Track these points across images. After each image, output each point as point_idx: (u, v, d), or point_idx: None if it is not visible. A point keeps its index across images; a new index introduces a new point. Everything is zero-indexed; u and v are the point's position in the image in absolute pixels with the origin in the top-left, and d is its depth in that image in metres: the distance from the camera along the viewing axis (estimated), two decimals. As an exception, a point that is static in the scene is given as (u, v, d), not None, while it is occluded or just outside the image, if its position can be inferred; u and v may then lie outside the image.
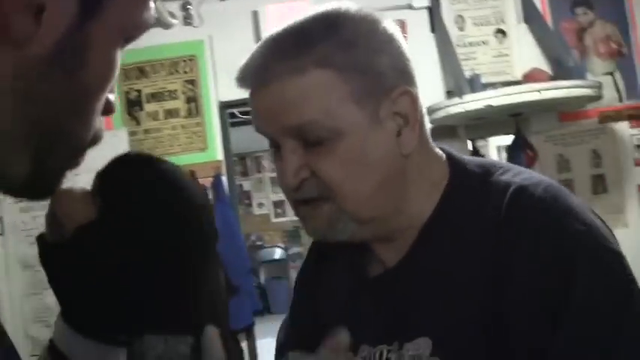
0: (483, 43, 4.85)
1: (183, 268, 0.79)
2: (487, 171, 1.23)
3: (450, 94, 4.68)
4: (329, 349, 1.04)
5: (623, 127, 4.90)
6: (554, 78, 4.48)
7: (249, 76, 1.16)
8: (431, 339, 1.16)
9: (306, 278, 1.48)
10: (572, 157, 4.87)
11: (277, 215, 10.99)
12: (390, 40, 1.18)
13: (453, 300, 1.16)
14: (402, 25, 4.77)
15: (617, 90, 4.88)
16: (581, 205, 1.16)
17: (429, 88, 4.68)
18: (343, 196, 1.16)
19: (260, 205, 11.04)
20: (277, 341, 1.49)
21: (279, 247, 11.31)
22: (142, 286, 0.76)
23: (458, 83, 4.40)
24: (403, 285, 1.24)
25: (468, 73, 4.52)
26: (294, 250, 10.77)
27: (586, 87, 4.27)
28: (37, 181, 0.74)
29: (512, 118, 4.55)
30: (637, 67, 4.92)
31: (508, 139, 4.82)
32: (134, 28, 0.76)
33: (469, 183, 1.23)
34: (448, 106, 4.25)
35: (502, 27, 4.86)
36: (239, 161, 10.48)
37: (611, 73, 4.89)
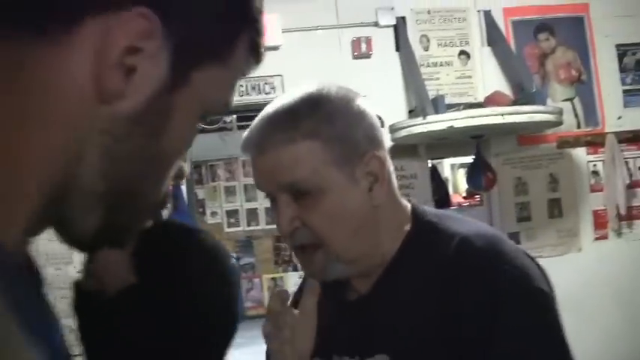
0: (447, 64, 4.91)
1: (213, 338, 0.84)
2: (441, 220, 1.48)
3: (412, 112, 4.71)
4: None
5: (580, 153, 5.00)
6: (515, 102, 4.54)
7: (250, 145, 1.41)
8: (388, 355, 1.40)
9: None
10: (530, 180, 4.95)
11: (230, 225, 10.92)
12: (362, 114, 1.43)
13: (409, 324, 1.40)
14: (368, 42, 4.81)
15: (576, 116, 4.97)
16: (515, 250, 1.43)
17: (391, 106, 4.71)
18: (329, 241, 1.40)
19: (213, 214, 10.96)
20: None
21: (231, 256, 11.25)
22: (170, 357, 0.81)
23: (422, 103, 4.42)
24: (370, 310, 1.49)
25: (432, 94, 4.55)
26: (246, 260, 10.74)
27: (548, 113, 4.34)
28: (104, 238, 0.76)
29: (473, 140, 4.60)
30: (596, 94, 5.01)
31: (463, 158, 4.88)
32: (215, 105, 0.78)
33: (426, 230, 1.47)
34: (411, 126, 4.28)
35: (466, 49, 4.93)
36: (194, 169, 10.42)
37: (570, 99, 4.97)
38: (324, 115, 1.38)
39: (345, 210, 1.40)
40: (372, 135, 1.44)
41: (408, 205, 1.53)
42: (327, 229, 1.39)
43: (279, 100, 1.43)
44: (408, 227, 1.48)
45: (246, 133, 1.43)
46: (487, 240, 1.40)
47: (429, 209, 1.56)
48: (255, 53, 0.78)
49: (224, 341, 0.79)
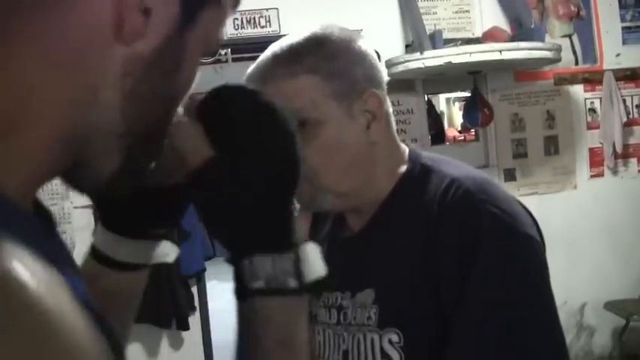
0: (444, -3, 4.85)
1: (285, 195, 0.88)
2: (435, 163, 1.50)
3: (409, 47, 4.67)
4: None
5: (577, 90, 4.98)
6: (513, 37, 4.50)
7: (253, 78, 1.43)
8: (374, 290, 1.45)
9: None
10: (527, 116, 4.93)
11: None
12: (363, 54, 1.47)
13: (395, 261, 1.44)
14: (365, -24, 4.74)
15: (574, 53, 4.94)
16: (505, 195, 1.40)
17: (388, 40, 4.67)
18: (323, 174, 1.43)
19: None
20: None
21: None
22: (257, 212, 0.85)
23: (419, 38, 4.38)
24: (362, 247, 1.53)
25: (429, 28, 4.51)
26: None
27: (546, 49, 4.30)
28: (121, 179, 0.77)
29: (469, 75, 4.58)
30: (594, 30, 4.97)
31: (458, 92, 4.86)
32: (214, 42, 0.81)
33: (420, 172, 1.49)
34: (408, 61, 4.25)
35: (464, -17, 4.86)
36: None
37: (568, 36, 4.93)
38: (325, 53, 1.43)
39: (340, 143, 1.44)
40: (371, 74, 1.48)
41: (406, 149, 1.56)
42: (320, 161, 1.42)
43: (284, 39, 1.47)
44: (403, 169, 1.52)
45: (251, 67, 1.46)
46: (476, 182, 1.39)
47: (426, 153, 1.57)
48: (234, 1, 0.82)
49: (295, 184, 0.86)
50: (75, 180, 0.77)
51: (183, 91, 0.80)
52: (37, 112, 0.66)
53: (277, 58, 1.44)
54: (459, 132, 8.19)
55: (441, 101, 9.43)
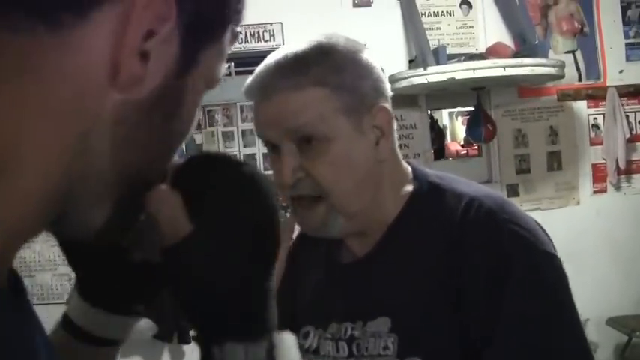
0: (448, 13, 4.85)
1: (263, 275, 0.82)
2: (444, 182, 1.46)
3: (412, 62, 4.68)
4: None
5: (580, 106, 4.98)
6: (517, 54, 4.50)
7: (254, 90, 1.38)
8: (390, 318, 1.37)
9: (285, 278, 1.64)
10: (530, 132, 4.93)
11: (227, 170, 10.97)
12: (370, 66, 1.40)
13: (411, 285, 1.38)
14: (369, -10, 4.75)
15: (578, 69, 4.94)
16: (521, 213, 1.41)
17: (392, 55, 4.67)
18: (332, 193, 1.37)
19: (211, 159, 11.00)
20: None
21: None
22: (233, 296, 0.79)
23: (422, 53, 4.38)
24: (370, 272, 1.45)
25: (432, 44, 4.51)
26: (243, 205, 10.79)
27: (550, 66, 4.30)
28: (110, 231, 0.73)
29: (473, 91, 4.57)
30: (598, 47, 4.97)
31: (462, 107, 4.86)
32: (214, 79, 0.77)
33: (429, 191, 1.45)
34: (411, 76, 4.25)
35: (468, -2, 4.87)
36: (191, 114, 10.41)
37: (572, 52, 4.93)
38: (333, 64, 1.36)
39: (350, 160, 1.37)
40: (379, 87, 1.41)
41: (408, 166, 1.51)
42: (332, 180, 1.35)
43: (285, 48, 1.39)
44: (409, 188, 1.46)
45: (250, 78, 1.40)
46: (496, 202, 1.38)
47: (432, 171, 1.53)
48: (232, 39, 0.77)
49: (272, 266, 0.80)
50: (60, 230, 0.73)
51: (183, 135, 0.76)
52: (22, 159, 0.60)
53: (281, 69, 1.35)
54: (462, 146, 8.19)
55: (444, 115, 9.42)
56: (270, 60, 1.38)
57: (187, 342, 4.82)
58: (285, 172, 1.34)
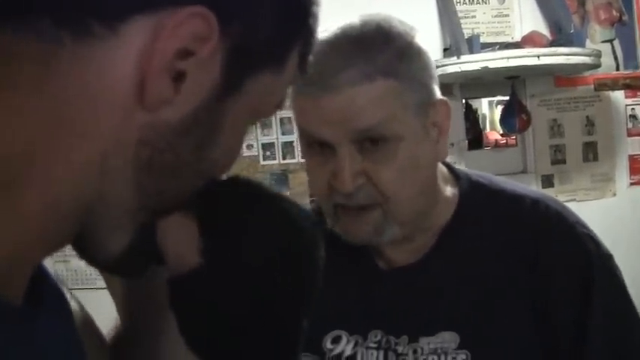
0: (483, 1, 4.80)
1: (298, 313, 0.75)
2: (491, 182, 1.37)
3: (446, 51, 4.64)
4: None
5: (618, 96, 4.89)
6: (552, 42, 4.44)
7: (314, 82, 1.18)
8: (457, 333, 1.25)
9: None
10: (566, 122, 4.85)
11: (266, 158, 10.88)
12: (426, 53, 1.27)
13: (479, 297, 1.28)
14: (403, -22, 4.71)
15: (615, 58, 4.85)
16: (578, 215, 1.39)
17: (426, 44, 4.63)
18: (398, 201, 1.24)
19: (249, 146, 10.94)
20: None
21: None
22: (241, 334, 0.73)
23: (456, 42, 4.35)
24: (422, 282, 1.33)
25: (467, 32, 4.47)
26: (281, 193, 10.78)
27: (585, 55, 4.24)
28: (129, 259, 0.69)
29: (508, 80, 4.52)
30: (637, 36, 4.89)
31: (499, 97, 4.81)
32: (266, 111, 0.72)
33: (479, 192, 1.36)
34: (445, 65, 4.21)
35: (504, -14, 4.81)
36: (230, 102, 10.41)
37: (610, 41, 4.85)
38: (397, 51, 1.21)
39: (416, 163, 1.24)
40: (436, 78, 1.30)
41: (442, 165, 1.39)
42: (397, 185, 1.23)
43: (339, 30, 1.22)
44: (453, 188, 1.35)
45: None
46: (557, 203, 1.35)
47: (471, 171, 1.42)
48: (302, 65, 0.72)
49: (304, 311, 0.69)
50: (84, 250, 0.69)
51: (220, 166, 0.71)
52: (34, 172, 0.57)
53: (344, 57, 1.19)
54: (502, 135, 8.10)
55: (483, 104, 9.33)
56: (324, 46, 1.19)
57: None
58: (345, 178, 1.20)
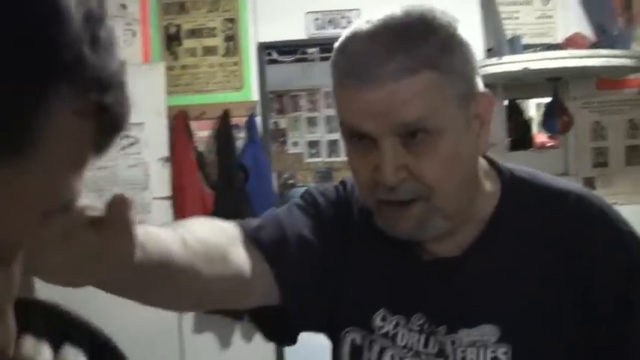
0: (527, 2, 4.80)
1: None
2: (532, 177, 1.35)
3: (490, 52, 4.64)
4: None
5: (662, 100, 4.85)
6: (596, 44, 4.42)
7: (354, 72, 1.17)
8: (498, 326, 1.25)
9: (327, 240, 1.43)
10: (609, 125, 4.83)
11: (311, 155, 10.92)
12: (468, 45, 1.22)
13: (521, 290, 1.26)
14: (447, -21, 4.72)
15: (661, 61, 4.81)
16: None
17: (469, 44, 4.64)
18: (441, 195, 1.21)
19: (295, 144, 10.96)
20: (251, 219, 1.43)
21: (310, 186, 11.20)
22: None
23: (498, 43, 4.36)
24: (462, 274, 1.31)
25: (511, 33, 4.48)
26: (327, 190, 10.76)
27: (627, 57, 4.22)
28: None
29: (550, 82, 4.53)
30: (683, 39, 4.84)
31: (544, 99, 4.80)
32: (16, 233, 0.50)
33: (520, 186, 1.33)
34: (487, 66, 4.22)
35: (548, -13, 4.80)
36: (276, 99, 10.37)
37: (656, 44, 4.82)
38: (439, 42, 1.16)
39: (459, 156, 1.21)
40: (478, 70, 1.26)
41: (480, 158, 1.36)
42: (440, 178, 1.20)
43: (380, 21, 1.17)
44: (495, 182, 1.34)
45: (342, 57, 1.21)
46: (600, 200, 1.34)
47: (510, 164, 1.40)
48: (102, 119, 0.49)
49: None
50: None
51: None
52: None
53: (387, 49, 1.14)
54: (549, 137, 8.05)
55: (531, 106, 9.27)
56: (363, 38, 1.17)
57: (257, 322, 4.91)
58: (387, 171, 1.18)
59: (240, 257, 1.26)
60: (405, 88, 1.14)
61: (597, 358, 1.26)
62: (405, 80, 1.14)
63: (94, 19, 0.45)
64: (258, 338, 5.01)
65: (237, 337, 5.01)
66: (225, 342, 5.01)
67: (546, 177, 1.36)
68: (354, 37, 1.19)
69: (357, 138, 1.22)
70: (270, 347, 5.00)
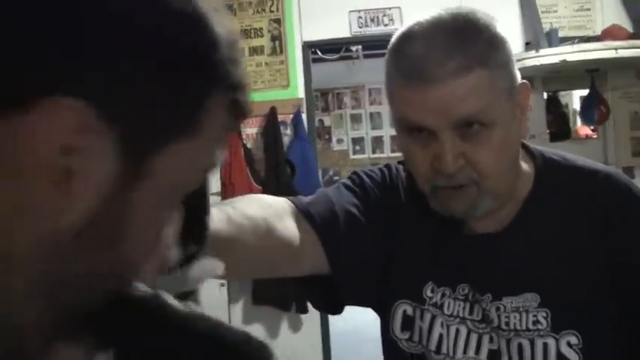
0: (566, -4, 4.87)
1: None
2: (564, 159, 1.46)
3: (528, 45, 4.73)
4: None
5: (701, 89, 4.88)
6: (634, 36, 4.49)
7: (413, 73, 1.26)
8: (537, 294, 1.37)
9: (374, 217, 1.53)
10: (648, 115, 4.88)
11: (355, 152, 11.00)
12: (507, 41, 1.31)
13: (558, 261, 1.37)
14: (486, -26, 4.81)
15: (699, 52, 4.85)
16: None
17: (508, 38, 4.72)
18: (492, 178, 1.32)
19: (339, 140, 11.03)
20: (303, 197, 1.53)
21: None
22: None
23: (536, 36, 4.44)
24: (505, 247, 1.42)
25: (546, 27, 4.55)
26: (371, 186, 10.82)
27: (663, 48, 4.27)
28: None
29: (588, 74, 4.60)
30: None
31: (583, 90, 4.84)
32: (193, 179, 0.64)
33: (554, 167, 1.44)
34: (525, 59, 4.30)
35: (587, -20, 4.85)
36: (321, 97, 10.44)
37: (694, 35, 4.86)
38: (487, 41, 1.26)
39: (508, 143, 1.32)
40: (515, 63, 1.35)
41: None
42: (492, 165, 1.31)
43: (431, 23, 1.27)
44: (530, 163, 1.46)
45: (403, 60, 1.28)
46: (626, 177, 1.43)
47: (542, 148, 1.52)
48: (235, 109, 0.63)
49: None
50: None
51: (141, 256, 0.61)
52: None
53: (443, 49, 1.24)
54: (593, 130, 8.05)
55: (574, 98, 9.26)
56: (418, 39, 1.27)
57: (305, 312, 5.06)
58: (448, 160, 1.28)
59: (289, 229, 1.37)
60: (461, 85, 1.23)
61: (629, 323, 1.36)
62: (461, 79, 1.22)
63: (232, 45, 0.61)
64: (306, 328, 5.14)
65: (284, 328, 5.17)
66: (273, 332, 5.14)
67: (575, 158, 1.46)
68: (409, 39, 1.27)
69: (417, 131, 1.32)
70: (317, 336, 5.13)
